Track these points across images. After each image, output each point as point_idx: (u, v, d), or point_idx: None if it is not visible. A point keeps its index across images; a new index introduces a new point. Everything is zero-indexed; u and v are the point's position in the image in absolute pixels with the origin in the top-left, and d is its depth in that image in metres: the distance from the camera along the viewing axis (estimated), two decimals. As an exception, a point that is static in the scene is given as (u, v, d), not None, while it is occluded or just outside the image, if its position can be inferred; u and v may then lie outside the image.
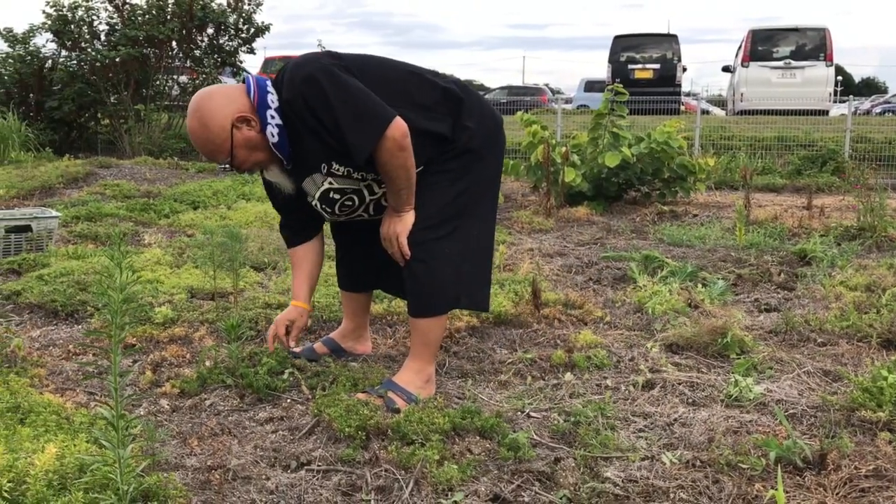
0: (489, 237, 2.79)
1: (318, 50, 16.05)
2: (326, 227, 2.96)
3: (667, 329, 3.35)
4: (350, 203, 2.63)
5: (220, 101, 2.45)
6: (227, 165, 2.51)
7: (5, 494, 1.69)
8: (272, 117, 2.46)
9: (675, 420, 2.48)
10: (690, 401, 2.65)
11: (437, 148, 2.59)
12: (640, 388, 2.75)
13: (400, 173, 2.45)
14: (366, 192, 2.61)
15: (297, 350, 2.99)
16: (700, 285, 4.08)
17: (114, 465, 1.69)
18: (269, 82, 2.52)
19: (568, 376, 2.83)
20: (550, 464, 2.16)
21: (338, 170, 2.53)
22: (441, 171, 2.61)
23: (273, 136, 2.46)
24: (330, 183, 2.56)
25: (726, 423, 2.42)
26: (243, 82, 2.53)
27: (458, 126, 2.60)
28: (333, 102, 2.37)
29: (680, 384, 2.78)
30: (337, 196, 2.59)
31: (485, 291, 2.78)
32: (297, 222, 2.84)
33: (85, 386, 2.71)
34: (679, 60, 18.99)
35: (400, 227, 2.56)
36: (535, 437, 2.34)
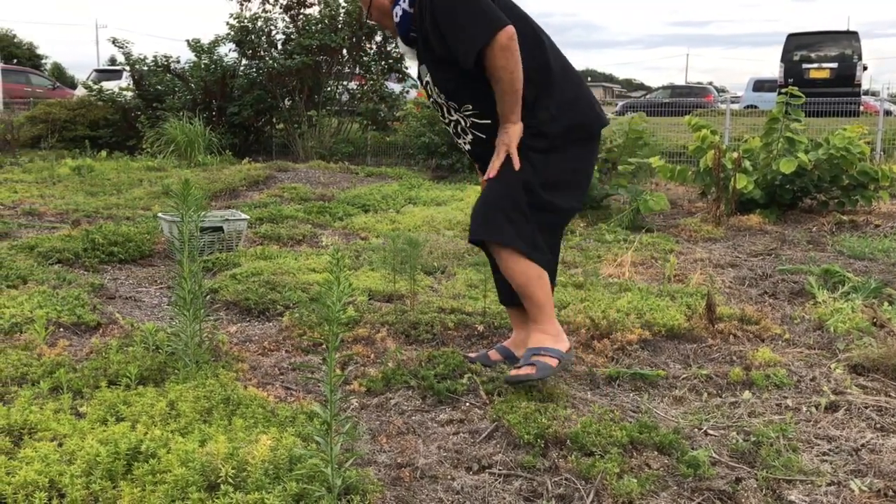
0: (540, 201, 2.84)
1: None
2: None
3: (850, 349, 3.22)
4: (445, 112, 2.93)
5: None
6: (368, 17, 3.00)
7: (230, 480, 1.89)
8: (403, 1, 2.82)
9: (863, 445, 2.40)
10: (879, 426, 2.56)
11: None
12: (822, 410, 2.67)
13: (503, 75, 2.63)
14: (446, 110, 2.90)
15: (472, 356, 3.11)
16: (886, 303, 3.89)
17: (323, 459, 1.85)
18: None
19: (746, 395, 2.80)
20: (731, 483, 2.16)
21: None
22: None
23: (396, 15, 2.85)
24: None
25: (920, 452, 2.33)
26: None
27: (539, 105, 2.76)
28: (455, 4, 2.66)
29: (867, 408, 2.68)
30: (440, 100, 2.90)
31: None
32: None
33: (282, 381, 2.94)
34: (859, 59, 17.91)
35: (506, 138, 2.76)
36: (714, 455, 2.34)
